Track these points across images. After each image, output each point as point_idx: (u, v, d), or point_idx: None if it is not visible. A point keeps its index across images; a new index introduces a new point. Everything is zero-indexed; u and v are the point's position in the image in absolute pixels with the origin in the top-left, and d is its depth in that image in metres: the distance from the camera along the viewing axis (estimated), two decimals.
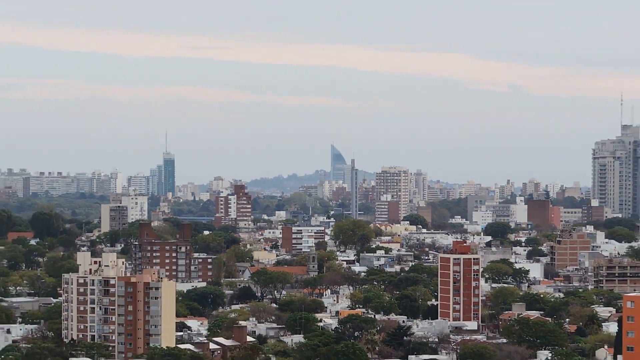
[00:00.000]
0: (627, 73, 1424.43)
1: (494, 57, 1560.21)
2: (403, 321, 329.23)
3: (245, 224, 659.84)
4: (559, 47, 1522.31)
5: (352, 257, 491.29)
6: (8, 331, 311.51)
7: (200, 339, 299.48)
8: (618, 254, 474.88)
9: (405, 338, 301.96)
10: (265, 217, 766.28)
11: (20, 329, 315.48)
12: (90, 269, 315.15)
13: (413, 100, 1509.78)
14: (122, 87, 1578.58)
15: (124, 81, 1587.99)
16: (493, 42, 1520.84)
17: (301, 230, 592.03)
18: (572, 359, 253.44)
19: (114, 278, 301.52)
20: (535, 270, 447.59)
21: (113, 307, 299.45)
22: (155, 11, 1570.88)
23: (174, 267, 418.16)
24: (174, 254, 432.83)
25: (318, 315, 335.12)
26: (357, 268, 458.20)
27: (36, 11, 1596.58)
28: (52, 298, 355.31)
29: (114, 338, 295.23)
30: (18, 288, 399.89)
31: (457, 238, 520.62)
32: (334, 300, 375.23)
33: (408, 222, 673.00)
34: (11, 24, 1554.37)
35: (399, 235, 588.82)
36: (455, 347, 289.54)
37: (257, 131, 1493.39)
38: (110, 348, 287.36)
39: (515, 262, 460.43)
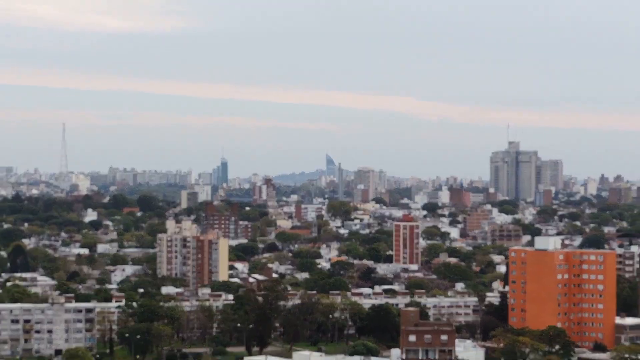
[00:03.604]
0: (512, 110, 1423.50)
1: (429, 99, 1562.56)
2: (371, 264, 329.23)
3: (272, 203, 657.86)
4: (470, 93, 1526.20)
5: (339, 224, 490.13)
6: (123, 270, 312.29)
7: (243, 275, 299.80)
8: (506, 222, 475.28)
9: (372, 275, 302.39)
10: (285, 198, 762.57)
11: (131, 269, 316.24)
12: (175, 231, 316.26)
13: (377, 126, 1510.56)
14: (196, 116, 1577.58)
15: (198, 113, 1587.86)
16: (428, 90, 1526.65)
17: (307, 207, 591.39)
18: (477, 288, 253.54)
19: (190, 237, 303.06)
20: (454, 232, 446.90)
21: (189, 255, 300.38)
22: (217, 70, 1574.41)
23: (226, 230, 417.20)
24: (226, 222, 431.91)
25: (318, 261, 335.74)
26: (342, 230, 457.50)
27: (146, 70, 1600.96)
28: (150, 249, 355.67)
29: (189, 274, 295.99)
30: (129, 242, 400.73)
31: (405, 212, 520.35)
32: (328, 251, 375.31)
33: (374, 202, 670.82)
34: (133, 79, 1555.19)
35: (369, 210, 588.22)
36: (404, 280, 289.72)
37: (280, 144, 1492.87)
38: (187, 280, 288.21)
39: (442, 227, 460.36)
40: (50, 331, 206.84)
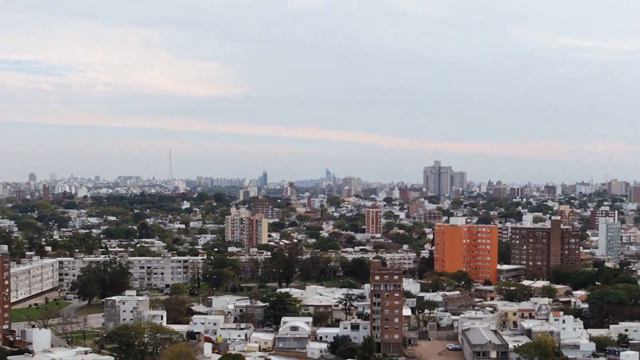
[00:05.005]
0: (437, 142, 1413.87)
1: (387, 135, 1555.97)
2: (352, 234, 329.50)
3: (293, 198, 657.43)
4: (411, 130, 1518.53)
5: (334, 210, 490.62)
6: (205, 237, 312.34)
7: (276, 240, 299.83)
8: (432, 209, 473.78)
9: (353, 240, 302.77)
10: (301, 195, 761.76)
11: (210, 237, 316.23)
12: (236, 214, 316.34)
13: (356, 151, 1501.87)
14: (249, 146, 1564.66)
15: (250, 143, 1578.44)
16: (387, 129, 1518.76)
17: (314, 200, 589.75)
18: (416, 248, 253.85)
19: (244, 218, 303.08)
20: (402, 215, 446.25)
21: (244, 228, 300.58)
22: (261, 117, 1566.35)
23: (266, 214, 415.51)
24: (266, 209, 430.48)
25: (321, 232, 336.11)
26: (335, 214, 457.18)
27: (218, 118, 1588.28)
28: (221, 225, 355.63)
29: (244, 240, 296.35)
30: (209, 221, 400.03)
31: (373, 203, 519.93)
32: (327, 226, 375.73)
33: (355, 197, 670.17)
34: (211, 123, 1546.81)
35: (351, 202, 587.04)
36: (372, 243, 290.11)
37: (299, 162, 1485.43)
38: (243, 243, 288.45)
39: (394, 212, 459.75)
40: (162, 273, 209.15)
